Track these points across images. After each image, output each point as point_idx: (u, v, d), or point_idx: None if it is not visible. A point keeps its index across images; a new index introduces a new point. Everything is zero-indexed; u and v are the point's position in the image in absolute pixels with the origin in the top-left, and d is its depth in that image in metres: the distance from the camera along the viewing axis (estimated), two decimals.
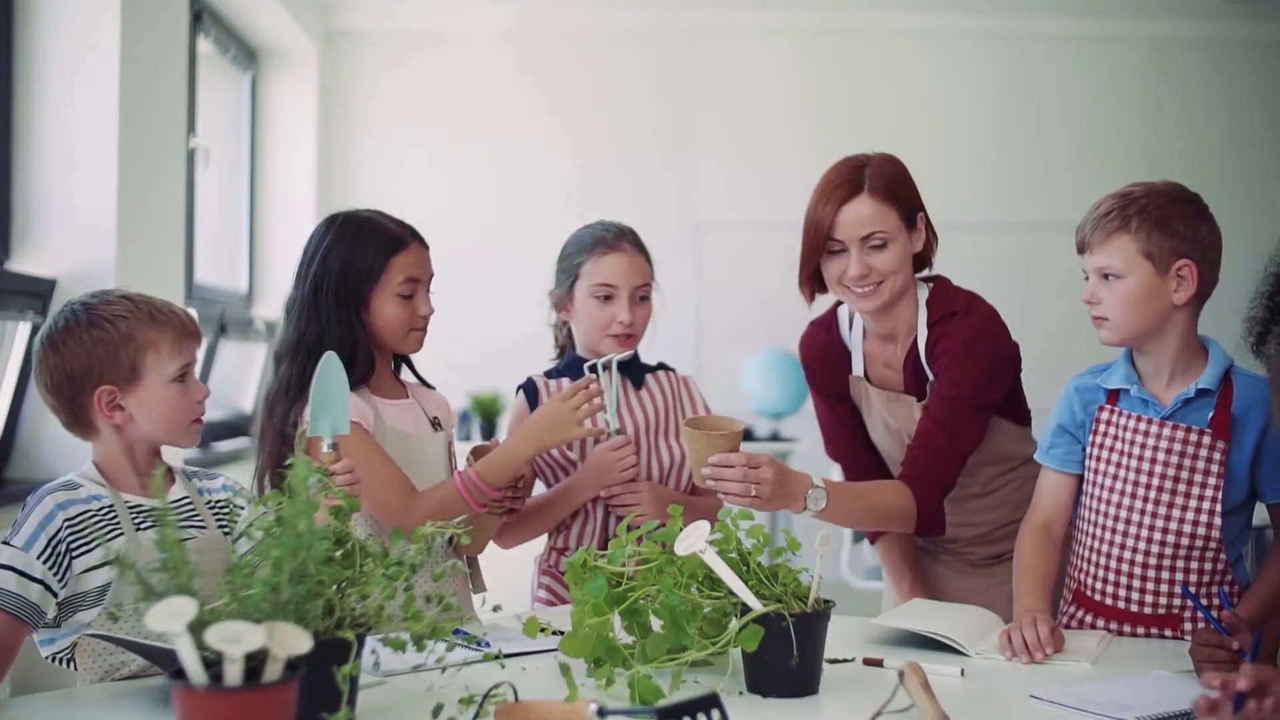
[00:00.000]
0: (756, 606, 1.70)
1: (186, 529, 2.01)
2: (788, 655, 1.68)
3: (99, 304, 2.00)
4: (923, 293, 2.38)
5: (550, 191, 6.07)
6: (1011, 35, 6.32)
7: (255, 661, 1.28)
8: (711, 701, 1.42)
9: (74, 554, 1.90)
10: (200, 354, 2.16)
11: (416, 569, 1.57)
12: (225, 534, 2.08)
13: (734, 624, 1.72)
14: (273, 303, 5.60)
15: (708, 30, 6.23)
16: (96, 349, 1.96)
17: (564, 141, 6.16)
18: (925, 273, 2.42)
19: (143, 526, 1.96)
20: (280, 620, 1.34)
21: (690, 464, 2.14)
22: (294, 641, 1.29)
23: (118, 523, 1.94)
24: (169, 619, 1.25)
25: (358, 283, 2.26)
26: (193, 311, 2.27)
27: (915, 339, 2.36)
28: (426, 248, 2.35)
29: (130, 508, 1.97)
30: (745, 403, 5.60)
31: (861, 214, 2.26)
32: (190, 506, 2.05)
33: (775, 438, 5.67)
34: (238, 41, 5.30)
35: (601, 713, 1.44)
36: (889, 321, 2.38)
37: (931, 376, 2.34)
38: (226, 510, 2.10)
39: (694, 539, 1.73)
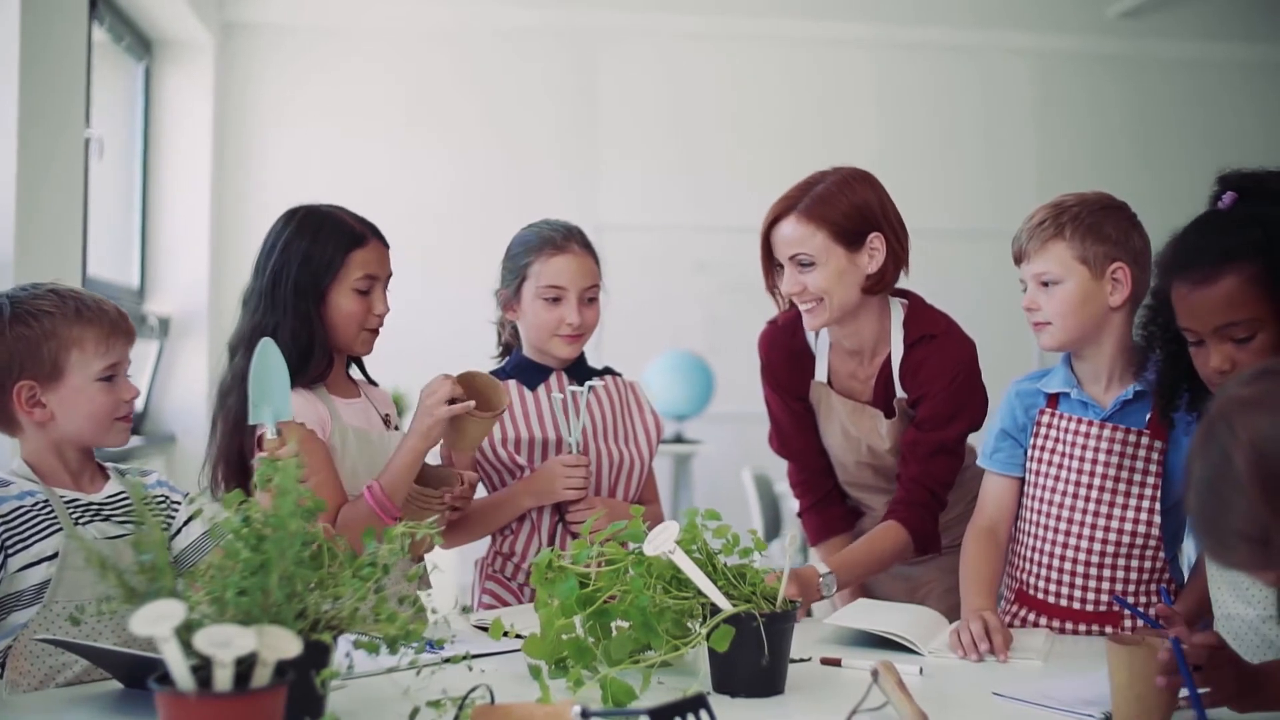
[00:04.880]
0: (726, 607, 1.69)
1: (125, 525, 1.95)
2: (757, 655, 1.68)
3: (26, 298, 1.94)
4: (897, 311, 2.38)
5: (448, 189, 6.01)
6: (914, 45, 6.46)
7: (242, 666, 1.24)
8: (699, 702, 1.42)
9: (9, 552, 1.82)
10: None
11: (389, 570, 1.53)
12: (163, 530, 2.02)
13: (700, 624, 1.71)
14: (165, 298, 5.44)
15: (612, 31, 6.23)
16: (18, 345, 1.90)
17: (462, 138, 6.10)
18: (894, 288, 2.39)
19: (81, 521, 1.91)
20: (261, 624, 1.30)
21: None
22: (283, 645, 1.25)
23: (54, 518, 1.88)
24: (155, 623, 1.20)
25: (317, 276, 2.22)
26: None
27: (889, 356, 2.37)
28: (386, 246, 2.31)
29: (66, 503, 1.91)
30: None
31: (785, 235, 2.30)
32: (127, 503, 1.98)
33: (679, 440, 5.69)
34: (132, 30, 5.13)
35: (585, 714, 1.42)
36: (853, 337, 2.38)
37: (902, 394, 2.35)
38: (163, 506, 2.05)
39: (663, 539, 1.72)
